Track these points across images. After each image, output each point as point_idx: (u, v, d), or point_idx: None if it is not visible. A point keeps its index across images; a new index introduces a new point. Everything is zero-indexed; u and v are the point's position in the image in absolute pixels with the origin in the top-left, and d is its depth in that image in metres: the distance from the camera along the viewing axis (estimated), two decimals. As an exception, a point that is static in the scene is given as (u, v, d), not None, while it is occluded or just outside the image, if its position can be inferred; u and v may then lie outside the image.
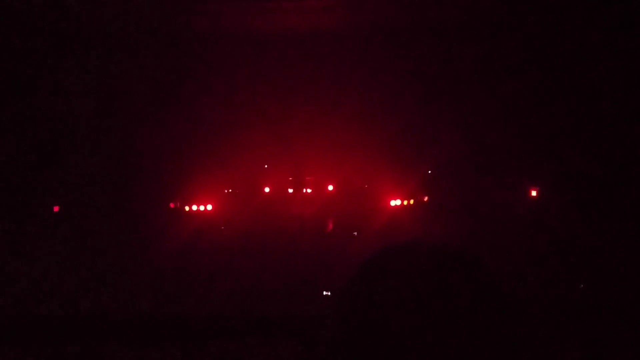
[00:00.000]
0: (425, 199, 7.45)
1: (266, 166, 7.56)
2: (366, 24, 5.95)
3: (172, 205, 7.39)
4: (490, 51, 6.14)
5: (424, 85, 6.73)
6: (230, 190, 7.54)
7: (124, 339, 2.93)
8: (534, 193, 7.02)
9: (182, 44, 6.25)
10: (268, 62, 6.56)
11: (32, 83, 6.09)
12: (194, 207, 7.36)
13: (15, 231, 6.26)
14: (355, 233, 7.34)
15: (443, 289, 0.90)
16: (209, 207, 7.40)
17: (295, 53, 6.44)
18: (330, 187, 7.57)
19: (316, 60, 6.54)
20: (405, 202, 7.39)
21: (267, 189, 7.57)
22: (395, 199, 7.35)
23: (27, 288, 5.84)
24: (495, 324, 0.92)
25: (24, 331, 2.89)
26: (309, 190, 7.56)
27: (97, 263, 6.41)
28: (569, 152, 6.31)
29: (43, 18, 5.30)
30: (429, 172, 7.30)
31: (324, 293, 5.83)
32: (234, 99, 6.82)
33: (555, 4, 5.33)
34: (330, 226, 7.49)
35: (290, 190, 7.55)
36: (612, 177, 6.05)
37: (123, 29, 5.72)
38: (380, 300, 0.91)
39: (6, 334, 2.88)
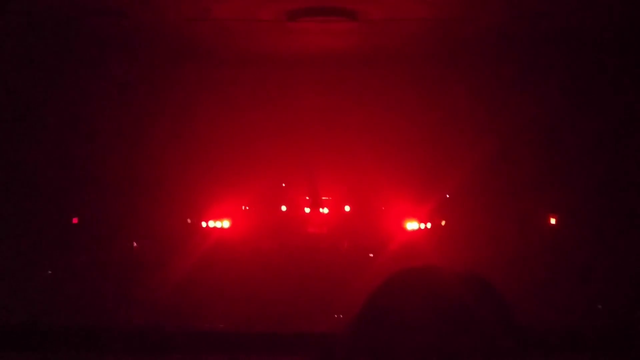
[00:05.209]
0: (443, 222, 7.41)
1: (284, 185, 7.59)
2: (389, 47, 5.98)
3: (188, 220, 7.42)
4: (511, 75, 6.13)
5: (444, 108, 6.73)
6: (247, 208, 7.56)
7: (135, 352, 2.93)
8: (553, 220, 6.94)
9: (202, 64, 6.33)
10: (288, 82, 6.61)
11: (55, 96, 6.18)
12: (211, 224, 7.39)
13: (33, 242, 6.32)
14: (371, 255, 7.31)
15: (455, 312, 0.92)
16: (226, 223, 7.42)
17: (316, 74, 6.48)
18: (347, 208, 7.57)
19: (336, 81, 6.58)
20: (422, 226, 7.35)
21: (284, 208, 7.60)
22: (412, 222, 7.32)
23: (42, 298, 5.88)
24: (504, 346, 0.92)
25: (35, 341, 2.92)
26: (325, 210, 7.57)
27: (112, 276, 6.45)
28: (590, 179, 6.24)
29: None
30: (447, 196, 7.27)
31: (336, 316, 5.79)
32: (253, 117, 6.87)
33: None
34: (346, 246, 7.47)
35: (307, 210, 7.57)
36: (631, 202, 5.97)
37: (148, 45, 5.79)
38: (396, 321, 0.93)
39: (18, 345, 2.91)
